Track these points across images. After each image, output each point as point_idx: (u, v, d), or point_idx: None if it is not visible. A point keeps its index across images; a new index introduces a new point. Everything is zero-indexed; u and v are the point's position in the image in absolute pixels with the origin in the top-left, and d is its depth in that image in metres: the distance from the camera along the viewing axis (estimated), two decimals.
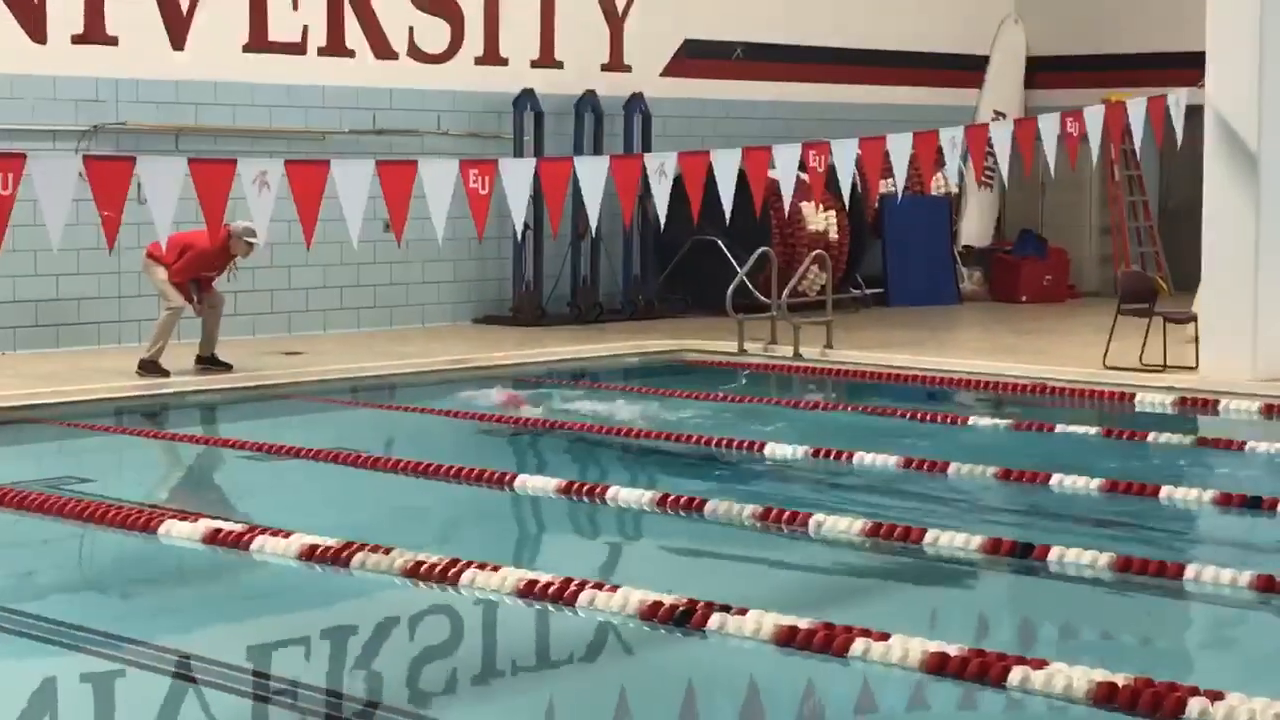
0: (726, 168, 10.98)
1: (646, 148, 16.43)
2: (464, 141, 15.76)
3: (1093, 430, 10.71)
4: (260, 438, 10.32)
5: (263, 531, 7.60)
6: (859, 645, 5.95)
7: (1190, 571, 7.12)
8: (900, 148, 11.88)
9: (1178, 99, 13.38)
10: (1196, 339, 12.95)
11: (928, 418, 11.32)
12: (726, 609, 6.32)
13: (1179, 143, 13.73)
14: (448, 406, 11.60)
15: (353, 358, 13.35)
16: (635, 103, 16.92)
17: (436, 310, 15.99)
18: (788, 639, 6.08)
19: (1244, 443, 10.26)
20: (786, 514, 8.14)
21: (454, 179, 9.92)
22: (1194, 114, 13.20)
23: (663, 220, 10.95)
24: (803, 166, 11.65)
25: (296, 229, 9.66)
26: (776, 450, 9.94)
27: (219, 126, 14.37)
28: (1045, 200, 20.17)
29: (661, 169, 10.72)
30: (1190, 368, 12.83)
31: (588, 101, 16.60)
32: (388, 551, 7.21)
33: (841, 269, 17.47)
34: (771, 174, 11.60)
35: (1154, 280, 14.84)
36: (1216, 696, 5.35)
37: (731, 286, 14.52)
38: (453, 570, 6.96)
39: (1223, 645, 6.88)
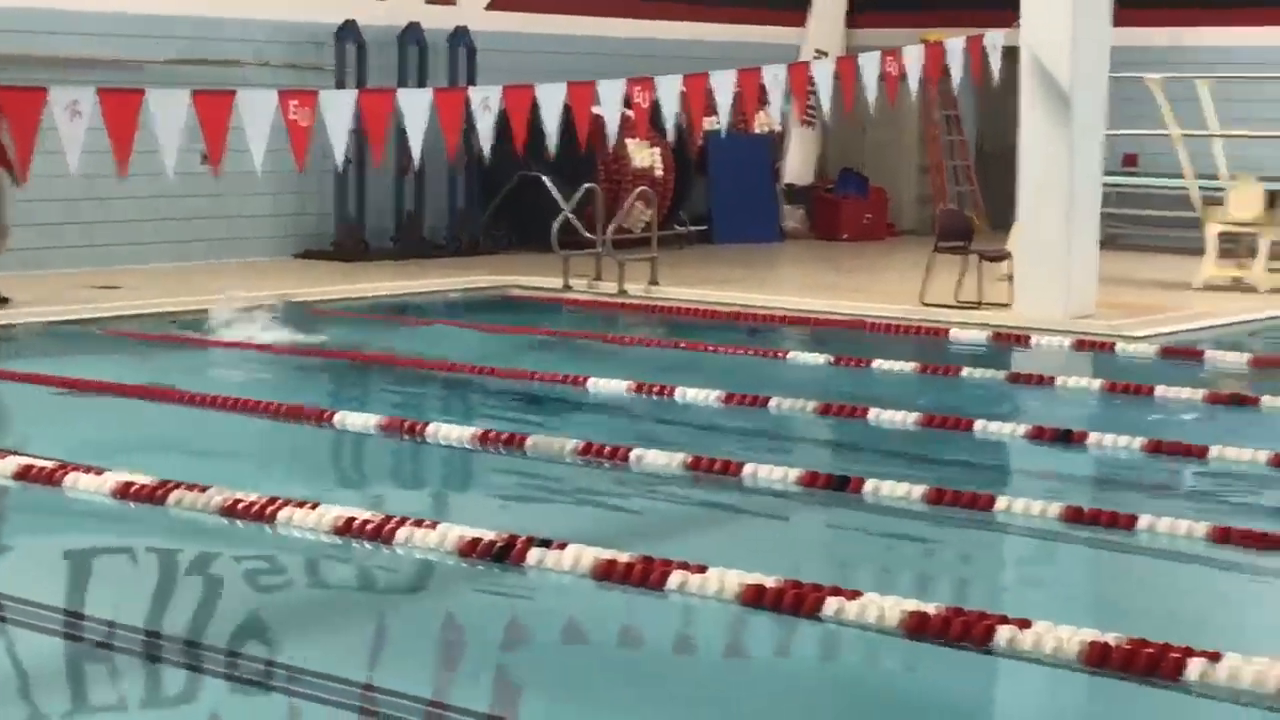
0: (551, 102, 10.96)
1: (471, 82, 16.30)
2: (284, 73, 15.50)
3: (909, 365, 10.88)
4: (74, 373, 10.12)
5: (75, 468, 7.47)
6: (676, 578, 6.00)
7: (1001, 503, 7.27)
8: (724, 85, 11.93)
9: (994, 40, 13.58)
10: (1011, 276, 13.20)
11: (749, 353, 11.42)
12: (546, 544, 6.34)
13: (996, 83, 13.95)
14: (267, 341, 11.46)
15: (170, 292, 13.12)
16: (460, 36, 16.78)
17: (256, 244, 15.76)
18: (606, 573, 6.12)
19: (1055, 378, 10.49)
20: (608, 449, 8.17)
21: (273, 110, 9.78)
22: (1010, 54, 13.40)
23: (487, 154, 10.90)
24: (627, 102, 11.66)
25: (110, 160, 9.45)
26: (599, 385, 9.96)
27: (31, 54, 13.99)
28: (866, 139, 20.38)
29: (485, 103, 10.66)
30: (1005, 305, 13.07)
31: (411, 34, 16.42)
32: (204, 489, 7.12)
33: (666, 206, 17.51)
34: (596, 110, 11.60)
35: (970, 219, 15.08)
36: (1024, 624, 5.48)
37: (556, 223, 14.50)
38: (270, 508, 6.89)
39: (1032, 575, 7.06)
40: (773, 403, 9.48)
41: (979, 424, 8.94)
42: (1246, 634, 5.89)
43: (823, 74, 12.71)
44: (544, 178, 16.03)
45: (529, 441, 8.35)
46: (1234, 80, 16.96)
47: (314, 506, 6.88)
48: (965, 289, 13.34)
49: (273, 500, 6.94)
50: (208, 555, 6.79)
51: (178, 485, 7.16)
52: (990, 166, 19.89)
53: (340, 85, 15.33)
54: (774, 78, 12.21)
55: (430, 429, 8.62)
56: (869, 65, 12.79)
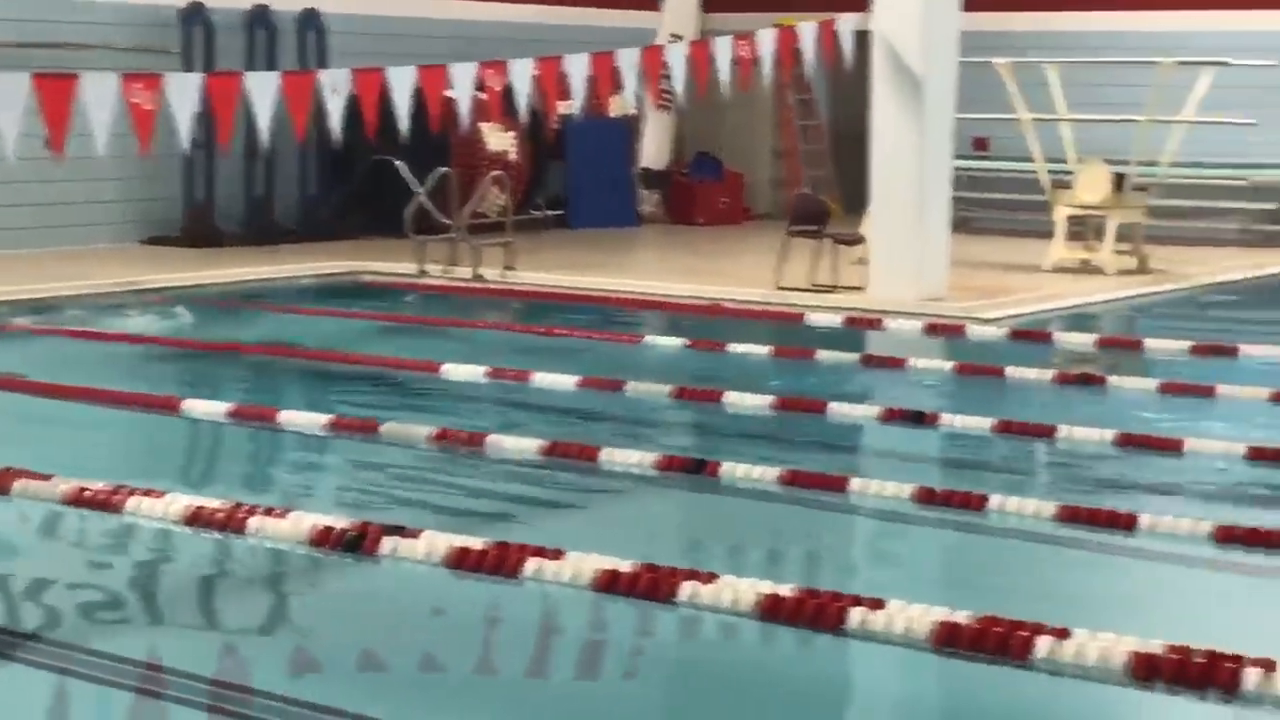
0: (402, 86, 10.86)
1: (322, 65, 16.11)
2: (130, 56, 15.21)
3: (765, 349, 10.92)
4: None
5: None
6: (531, 565, 5.96)
7: (854, 484, 7.31)
8: (577, 68, 11.90)
9: (847, 24, 13.66)
10: (865, 260, 13.30)
11: (606, 338, 11.41)
12: (399, 532, 6.27)
13: (849, 67, 14.04)
14: (115, 330, 11.26)
15: (14, 280, 12.85)
16: (310, 19, 16.58)
17: (103, 230, 15.47)
18: (459, 561, 6.07)
19: (907, 360, 10.58)
20: (463, 434, 8.12)
21: (117, 93, 9.59)
22: (863, 39, 13.49)
23: (335, 138, 10.78)
24: (480, 86, 11.59)
25: None
26: (454, 371, 9.90)
27: None
28: (722, 123, 20.43)
29: (334, 86, 10.53)
30: (858, 288, 13.17)
31: (260, 17, 16.20)
32: (48, 478, 6.96)
33: (523, 190, 17.46)
34: (448, 93, 11.51)
35: (824, 202, 15.17)
36: (877, 605, 5.50)
37: (410, 207, 14.38)
38: (116, 497, 6.76)
39: (885, 556, 7.11)
40: (629, 387, 9.47)
41: (833, 406, 8.99)
42: (1093, 611, 5.96)
43: (676, 58, 12.72)
44: (397, 162, 15.89)
45: (382, 428, 8.27)
46: (1081, 65, 17.22)
47: (162, 495, 6.76)
48: (820, 273, 13.43)
49: (119, 489, 6.81)
50: (52, 546, 6.65)
51: (21, 474, 7.00)
52: (845, 150, 20.01)
53: (188, 69, 15.09)
54: (628, 61, 12.20)
55: (282, 416, 8.51)
56: (722, 49, 12.82)
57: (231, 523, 6.49)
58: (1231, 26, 18.03)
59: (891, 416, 8.86)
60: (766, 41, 13.04)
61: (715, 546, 6.99)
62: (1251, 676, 4.96)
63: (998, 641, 5.23)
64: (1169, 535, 6.67)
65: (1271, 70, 16.69)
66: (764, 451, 8.11)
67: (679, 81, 12.75)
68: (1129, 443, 8.28)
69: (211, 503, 6.67)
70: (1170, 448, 8.18)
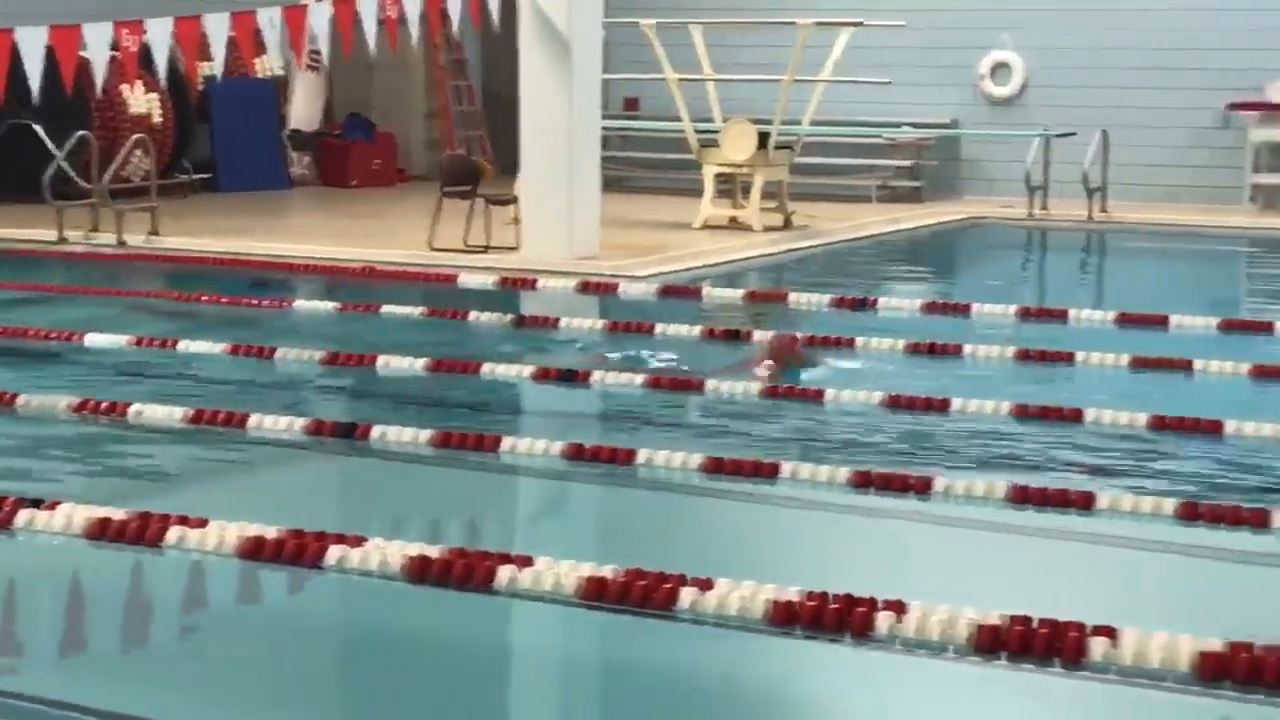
0: (32, 46, 10.48)
1: None
2: None
3: (418, 310, 10.88)
4: None
5: None
6: (174, 533, 5.84)
7: (506, 444, 7.35)
8: (218, 28, 11.64)
9: None
10: (518, 220, 13.36)
11: (256, 303, 11.22)
12: (37, 504, 6.08)
13: (496, 27, 14.04)
14: None
15: None
16: None
17: None
18: (99, 532, 5.91)
19: (559, 319, 10.66)
20: (104, 404, 7.90)
21: None
22: None
23: None
24: (115, 46, 11.25)
25: None
26: (96, 339, 9.62)
27: None
28: (373, 84, 20.25)
29: None
30: (512, 248, 13.22)
31: None
32: None
33: (168, 154, 17.02)
34: (83, 54, 11.16)
35: (477, 163, 15.17)
36: (525, 563, 5.55)
37: (48, 172, 13.89)
38: None
39: (537, 513, 7.18)
40: (279, 353, 9.34)
41: (486, 366, 9.01)
42: (737, 561, 6.11)
43: (320, 18, 12.55)
44: (33, 125, 15.32)
45: (20, 400, 7.99)
46: (724, 25, 17.56)
47: None
48: (473, 233, 13.43)
49: None
50: None
51: None
52: (499, 111, 20.04)
53: None
54: (270, 21, 11.99)
55: None
56: (368, 9, 12.69)
57: None
58: None
59: (544, 375, 8.92)
60: (414, 1, 12.95)
61: (367, 511, 6.95)
62: (884, 621, 5.15)
63: (642, 594, 5.33)
64: (809, 482, 6.88)
65: (905, 31, 17.30)
66: (418, 414, 8.09)
67: (324, 41, 12.57)
68: (774, 395, 8.51)
69: None
70: (812, 398, 8.43)
